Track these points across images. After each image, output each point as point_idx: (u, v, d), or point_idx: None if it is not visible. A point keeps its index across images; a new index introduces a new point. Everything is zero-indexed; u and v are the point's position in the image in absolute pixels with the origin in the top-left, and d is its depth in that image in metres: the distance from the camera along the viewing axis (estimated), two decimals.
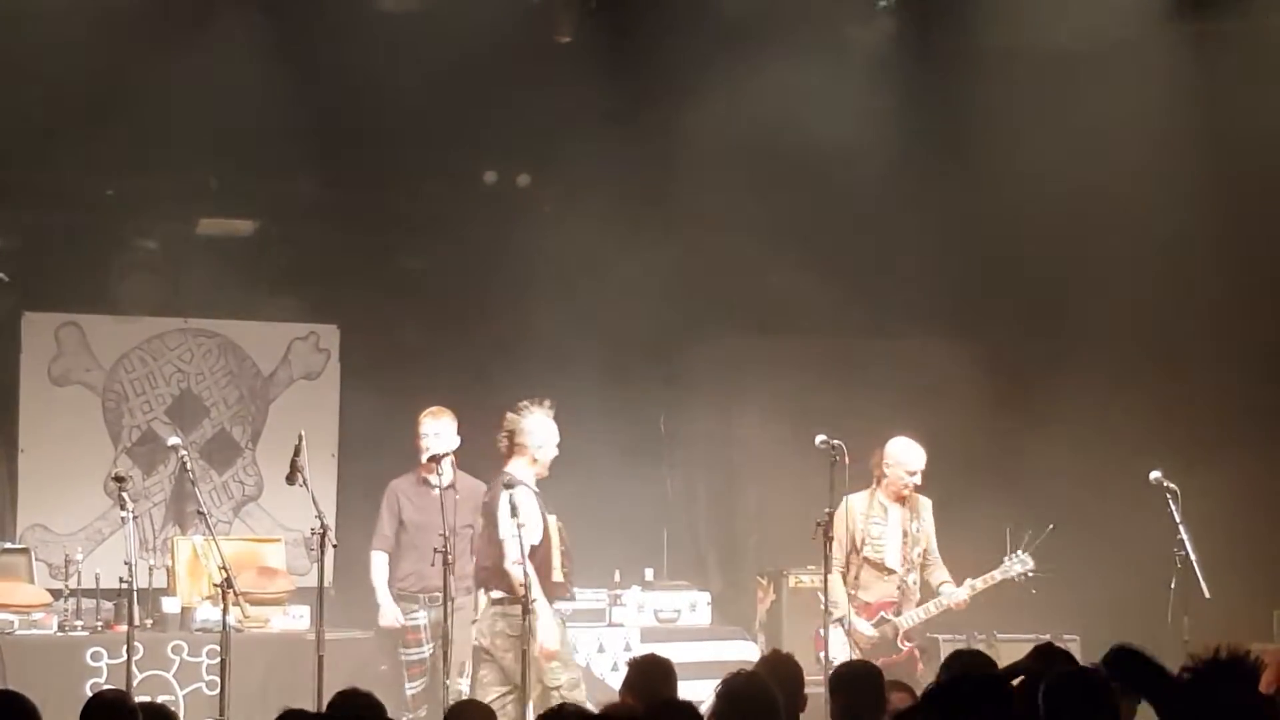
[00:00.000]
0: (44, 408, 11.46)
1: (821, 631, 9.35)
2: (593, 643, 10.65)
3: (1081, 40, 10.86)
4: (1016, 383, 11.38)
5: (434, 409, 9.94)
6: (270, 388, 12.08)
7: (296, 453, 8.69)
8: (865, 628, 9.70)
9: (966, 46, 10.93)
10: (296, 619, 10.23)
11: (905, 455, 9.81)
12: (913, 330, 11.67)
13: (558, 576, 8.94)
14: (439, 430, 9.84)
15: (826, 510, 9.17)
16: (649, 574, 11.37)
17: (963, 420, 11.16)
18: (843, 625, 9.55)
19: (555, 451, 9.01)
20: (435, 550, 8.86)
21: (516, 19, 10.67)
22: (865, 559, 9.75)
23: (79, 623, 9.96)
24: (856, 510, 9.78)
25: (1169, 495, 9.14)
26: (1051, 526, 9.54)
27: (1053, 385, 11.27)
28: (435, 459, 9.61)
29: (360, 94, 10.79)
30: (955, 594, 9.73)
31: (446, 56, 10.33)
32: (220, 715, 8.65)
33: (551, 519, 8.95)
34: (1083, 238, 11.20)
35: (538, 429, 8.95)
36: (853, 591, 9.74)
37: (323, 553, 8.72)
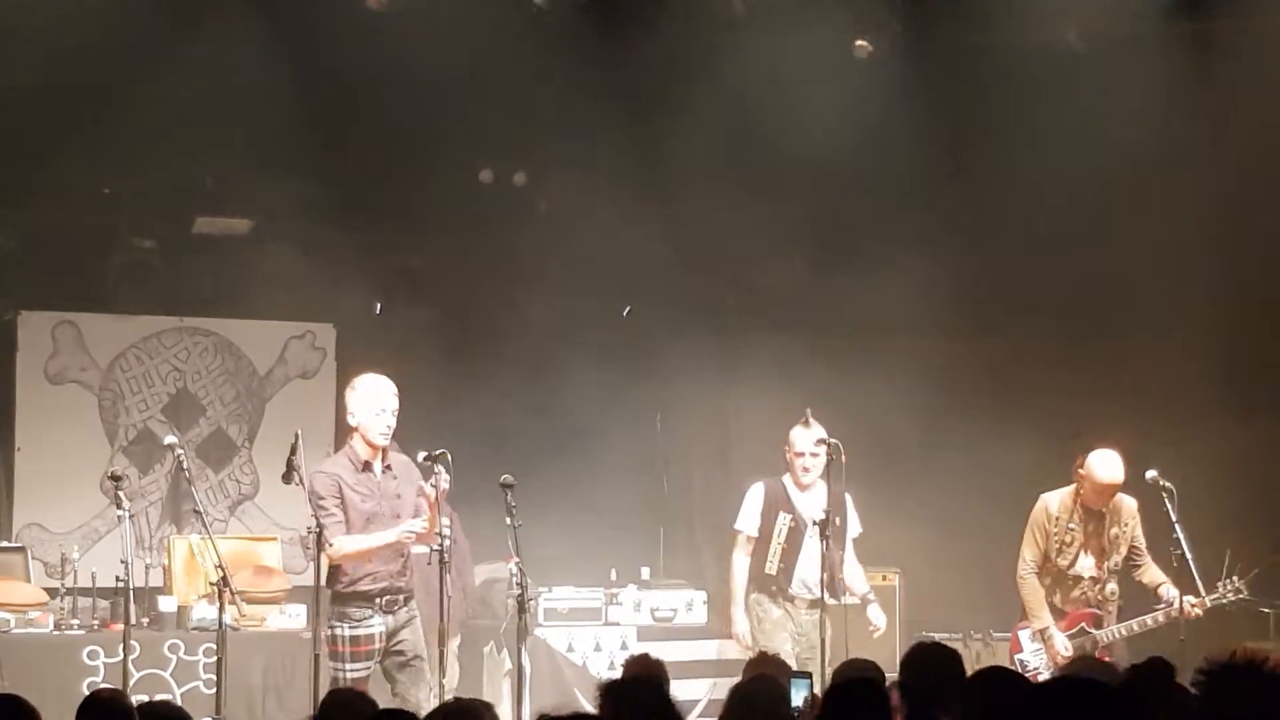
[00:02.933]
0: (40, 406, 11.45)
1: (1020, 633, 9.49)
2: (589, 641, 10.65)
3: (1081, 38, 10.86)
4: (1013, 383, 11.38)
5: (379, 375, 8.70)
6: (266, 386, 12.08)
7: (293, 451, 8.64)
8: (1062, 645, 9.35)
9: (966, 44, 10.93)
10: (293, 617, 10.23)
11: (1098, 469, 9.33)
12: (911, 328, 11.67)
13: (770, 569, 9.65)
14: (397, 405, 8.63)
15: (824, 509, 9.17)
16: (645, 573, 11.38)
17: (961, 419, 11.16)
18: (1043, 637, 9.37)
19: (804, 469, 9.60)
20: (431, 549, 8.45)
21: (513, 18, 10.67)
22: (1056, 565, 9.43)
23: (75, 621, 9.96)
24: (1051, 512, 9.45)
25: (1165, 494, 9.13)
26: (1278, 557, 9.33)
27: (1049, 385, 11.27)
28: (432, 457, 8.45)
29: (357, 93, 10.80)
30: (1183, 605, 9.09)
31: (443, 55, 10.33)
32: (217, 714, 8.65)
33: (785, 518, 9.60)
34: (1081, 236, 11.19)
35: (793, 436, 9.63)
36: (1047, 598, 9.47)
37: (319, 551, 8.69)
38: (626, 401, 11.89)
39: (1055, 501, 9.47)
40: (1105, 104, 10.82)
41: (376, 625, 8.49)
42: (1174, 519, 9.05)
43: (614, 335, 11.58)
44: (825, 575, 9.29)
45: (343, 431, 11.54)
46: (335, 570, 8.54)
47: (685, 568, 11.98)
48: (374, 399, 8.59)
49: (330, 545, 8.38)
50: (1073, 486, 9.51)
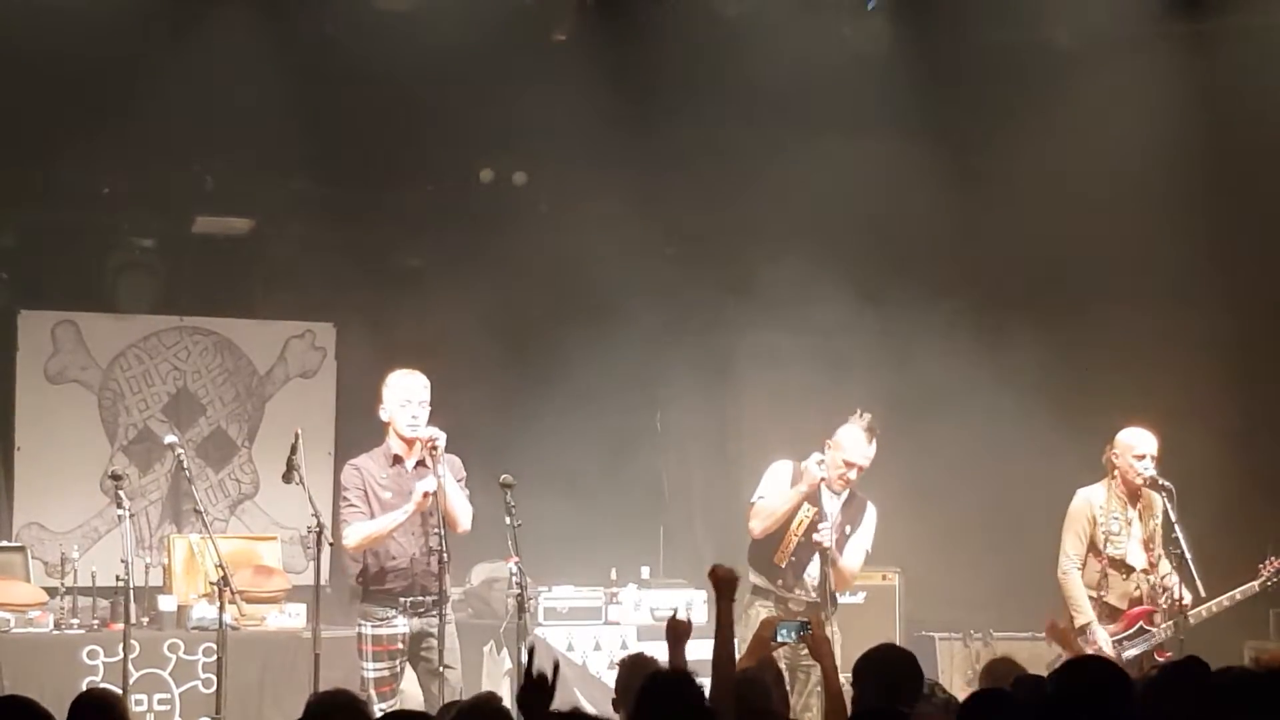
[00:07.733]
0: (40, 406, 11.45)
1: (1078, 641, 9.11)
2: (589, 641, 10.65)
3: (1079, 38, 10.87)
4: (1013, 382, 11.37)
5: (411, 369, 8.62)
6: (266, 386, 12.08)
7: (293, 451, 8.65)
8: (1104, 640, 9.09)
9: (966, 43, 10.94)
10: (293, 617, 10.24)
11: (1132, 439, 9.22)
12: (909, 327, 11.66)
13: (779, 560, 9.04)
14: (426, 398, 8.53)
15: (814, 509, 9.13)
16: (645, 572, 11.37)
17: (958, 419, 11.16)
18: (1086, 634, 9.11)
19: (845, 468, 8.90)
20: (432, 550, 8.35)
21: (513, 17, 10.68)
22: (1108, 557, 9.22)
23: (75, 621, 9.97)
24: (1095, 504, 9.27)
25: (1165, 494, 9.12)
26: None
27: (1049, 383, 11.27)
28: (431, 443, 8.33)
29: (357, 92, 10.81)
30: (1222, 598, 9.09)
31: (443, 54, 10.34)
32: (216, 713, 8.67)
33: (807, 510, 8.94)
34: (1080, 236, 11.19)
35: (841, 435, 8.97)
36: (1096, 594, 9.22)
37: (319, 551, 8.68)
38: (626, 401, 11.89)
39: (1099, 495, 9.29)
40: (1103, 102, 10.83)
41: (400, 626, 8.41)
42: (1173, 519, 9.04)
43: (613, 332, 11.57)
44: (827, 584, 8.89)
45: (341, 430, 11.72)
46: (362, 569, 8.48)
47: (685, 567, 11.96)
48: (401, 392, 8.52)
49: (345, 537, 8.41)
50: (1107, 479, 9.37)
